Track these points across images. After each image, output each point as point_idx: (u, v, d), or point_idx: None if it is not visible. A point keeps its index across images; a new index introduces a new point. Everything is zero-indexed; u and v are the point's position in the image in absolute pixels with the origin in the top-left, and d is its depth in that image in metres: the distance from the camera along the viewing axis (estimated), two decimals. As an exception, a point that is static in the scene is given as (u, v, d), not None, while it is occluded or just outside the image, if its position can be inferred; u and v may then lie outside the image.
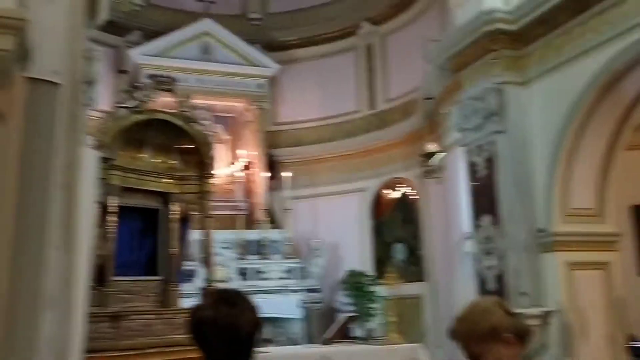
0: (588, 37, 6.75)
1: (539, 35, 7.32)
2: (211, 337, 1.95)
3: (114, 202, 5.25)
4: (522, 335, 1.99)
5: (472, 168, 8.05)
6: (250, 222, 12.33)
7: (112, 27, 12.01)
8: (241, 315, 1.95)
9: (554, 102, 7.27)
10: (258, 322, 2.01)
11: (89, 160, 2.83)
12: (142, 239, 5.80)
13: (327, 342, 7.72)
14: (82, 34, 2.11)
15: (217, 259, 10.97)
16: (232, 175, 12.57)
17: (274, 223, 12.51)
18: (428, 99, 9.91)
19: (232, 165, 12.72)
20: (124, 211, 5.48)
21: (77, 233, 2.15)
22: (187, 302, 6.37)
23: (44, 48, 1.96)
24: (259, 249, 11.87)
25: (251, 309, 2.00)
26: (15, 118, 1.51)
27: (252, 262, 11.59)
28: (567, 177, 7.34)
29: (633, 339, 7.62)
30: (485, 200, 7.81)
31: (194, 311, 2.06)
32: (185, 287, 8.40)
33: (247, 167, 12.61)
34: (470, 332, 1.90)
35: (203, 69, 12.28)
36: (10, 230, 1.47)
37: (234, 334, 1.93)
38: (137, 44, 12.54)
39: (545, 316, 6.61)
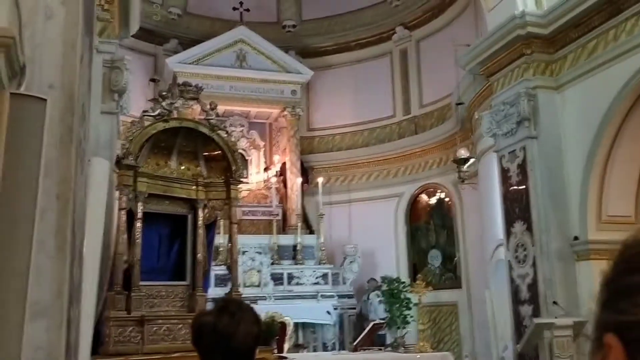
0: (623, 40, 6.57)
1: (572, 38, 7.17)
2: (208, 343, 1.99)
3: (140, 208, 5.35)
4: None
5: (505, 174, 7.92)
6: (284, 227, 12.39)
7: (151, 35, 12.31)
8: (237, 326, 1.97)
9: (588, 106, 7.09)
10: (256, 334, 2.03)
11: (99, 170, 2.89)
12: (169, 245, 5.89)
13: (355, 348, 7.68)
14: (81, 47, 2.17)
15: (251, 264, 11.08)
16: (266, 181, 12.66)
17: (308, 228, 12.54)
18: (459, 104, 9.79)
19: (266, 170, 12.82)
20: (151, 217, 5.59)
21: (76, 241, 2.20)
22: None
23: (40, 63, 2.02)
24: (293, 254, 11.91)
25: (251, 320, 2.02)
26: (2, 134, 1.57)
27: (286, 267, 11.63)
28: (602, 183, 7.14)
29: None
30: (517, 206, 7.67)
31: (197, 316, 2.11)
32: (217, 292, 8.54)
33: (281, 173, 12.68)
34: None
35: (238, 76, 12.42)
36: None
37: (229, 343, 1.96)
38: (174, 52, 12.76)
39: (577, 326, 6.43)
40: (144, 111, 5.47)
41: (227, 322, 1.97)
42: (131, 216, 5.34)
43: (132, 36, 7.92)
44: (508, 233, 7.81)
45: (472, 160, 9.37)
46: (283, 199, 12.64)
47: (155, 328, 5.05)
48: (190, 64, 12.32)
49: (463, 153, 9.26)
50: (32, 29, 2.01)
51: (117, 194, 5.28)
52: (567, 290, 7.06)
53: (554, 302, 6.67)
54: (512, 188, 7.77)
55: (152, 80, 11.65)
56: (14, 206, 1.59)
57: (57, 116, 1.95)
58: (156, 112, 5.38)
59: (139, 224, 5.32)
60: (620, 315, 0.71)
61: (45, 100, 1.67)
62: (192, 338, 2.06)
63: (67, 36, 2.06)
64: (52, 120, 1.94)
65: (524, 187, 7.57)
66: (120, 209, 5.18)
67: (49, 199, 1.92)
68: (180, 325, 5.13)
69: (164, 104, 5.45)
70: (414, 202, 12.63)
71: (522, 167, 7.61)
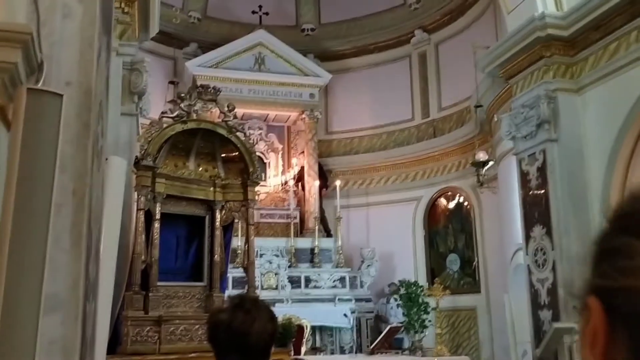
0: (645, 42, 6.48)
1: (592, 40, 7.08)
2: (223, 340, 1.99)
3: (158, 209, 5.39)
4: None
5: (524, 177, 7.84)
6: (302, 230, 12.40)
7: (170, 39, 12.40)
8: (252, 323, 1.97)
9: (609, 109, 7.00)
10: (271, 332, 2.03)
11: (117, 168, 2.92)
12: (187, 246, 5.92)
13: (372, 352, 7.65)
14: (98, 45, 2.19)
15: (269, 267, 11.11)
16: (284, 184, 12.68)
17: (326, 231, 12.53)
18: (478, 106, 9.73)
19: (284, 173, 12.84)
20: (169, 218, 5.63)
21: (92, 237, 2.22)
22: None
23: (58, 60, 2.04)
24: (310, 257, 11.91)
25: (266, 317, 2.02)
26: (19, 128, 1.59)
27: (304, 270, 11.63)
28: (624, 187, 7.03)
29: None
30: (537, 210, 7.59)
31: (212, 314, 2.11)
32: (234, 293, 8.58)
33: (299, 176, 12.69)
34: None
35: (256, 80, 12.46)
36: (8, 232, 1.55)
37: (244, 340, 1.96)
38: (194, 55, 12.85)
39: (598, 332, 6.34)
40: (163, 112, 5.51)
41: (242, 319, 1.97)
42: (149, 217, 5.38)
43: (152, 40, 7.99)
44: (527, 237, 7.73)
45: (491, 163, 9.30)
46: (301, 202, 12.65)
47: (172, 328, 5.08)
48: (209, 67, 12.40)
49: (482, 156, 9.19)
50: (50, 27, 2.04)
51: (135, 194, 5.32)
52: (588, 295, 6.96)
53: (574, 307, 6.57)
54: (531, 191, 7.69)
55: (172, 82, 11.74)
56: (29, 201, 1.61)
57: (74, 112, 1.98)
58: (175, 114, 5.42)
59: (156, 225, 5.36)
60: (601, 279, 0.65)
61: (61, 95, 1.69)
62: (208, 335, 2.07)
63: (85, 34, 2.08)
64: (69, 117, 1.96)
65: (543, 190, 7.49)
66: (138, 210, 5.22)
67: (65, 194, 1.94)
68: (197, 326, 5.15)
69: (182, 105, 5.49)
70: (432, 205, 12.56)
71: (542, 170, 7.53)
